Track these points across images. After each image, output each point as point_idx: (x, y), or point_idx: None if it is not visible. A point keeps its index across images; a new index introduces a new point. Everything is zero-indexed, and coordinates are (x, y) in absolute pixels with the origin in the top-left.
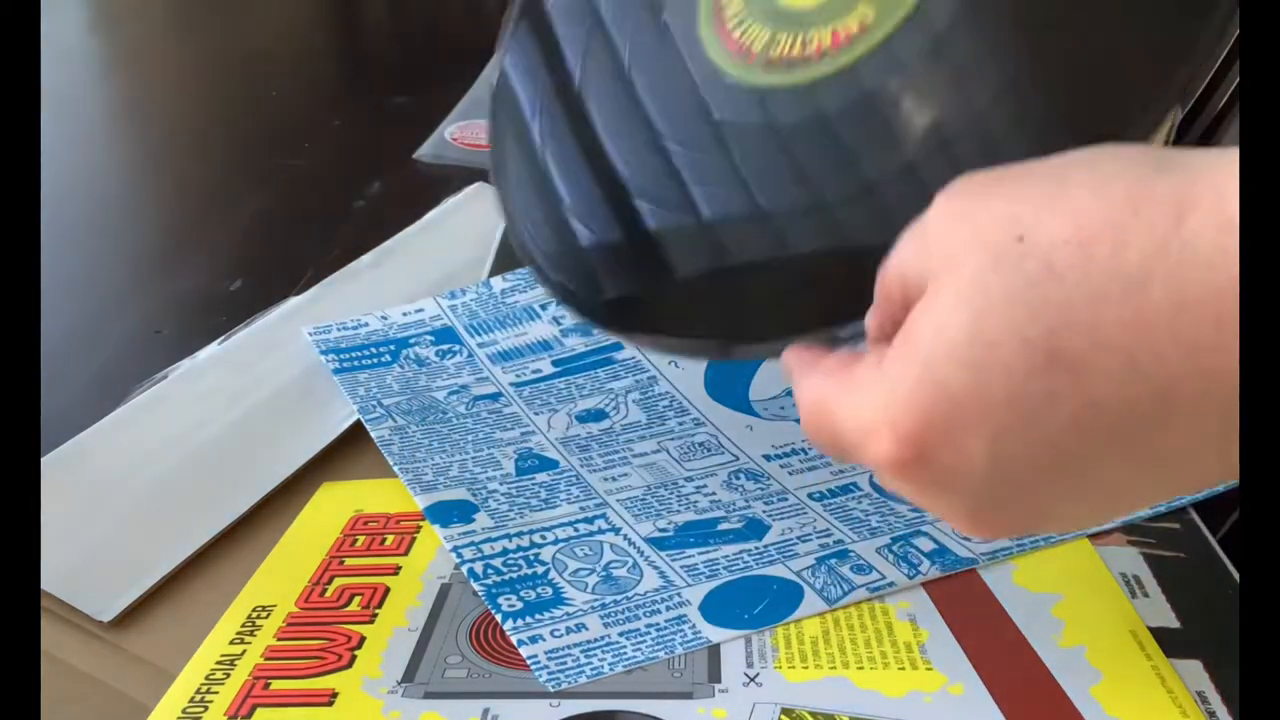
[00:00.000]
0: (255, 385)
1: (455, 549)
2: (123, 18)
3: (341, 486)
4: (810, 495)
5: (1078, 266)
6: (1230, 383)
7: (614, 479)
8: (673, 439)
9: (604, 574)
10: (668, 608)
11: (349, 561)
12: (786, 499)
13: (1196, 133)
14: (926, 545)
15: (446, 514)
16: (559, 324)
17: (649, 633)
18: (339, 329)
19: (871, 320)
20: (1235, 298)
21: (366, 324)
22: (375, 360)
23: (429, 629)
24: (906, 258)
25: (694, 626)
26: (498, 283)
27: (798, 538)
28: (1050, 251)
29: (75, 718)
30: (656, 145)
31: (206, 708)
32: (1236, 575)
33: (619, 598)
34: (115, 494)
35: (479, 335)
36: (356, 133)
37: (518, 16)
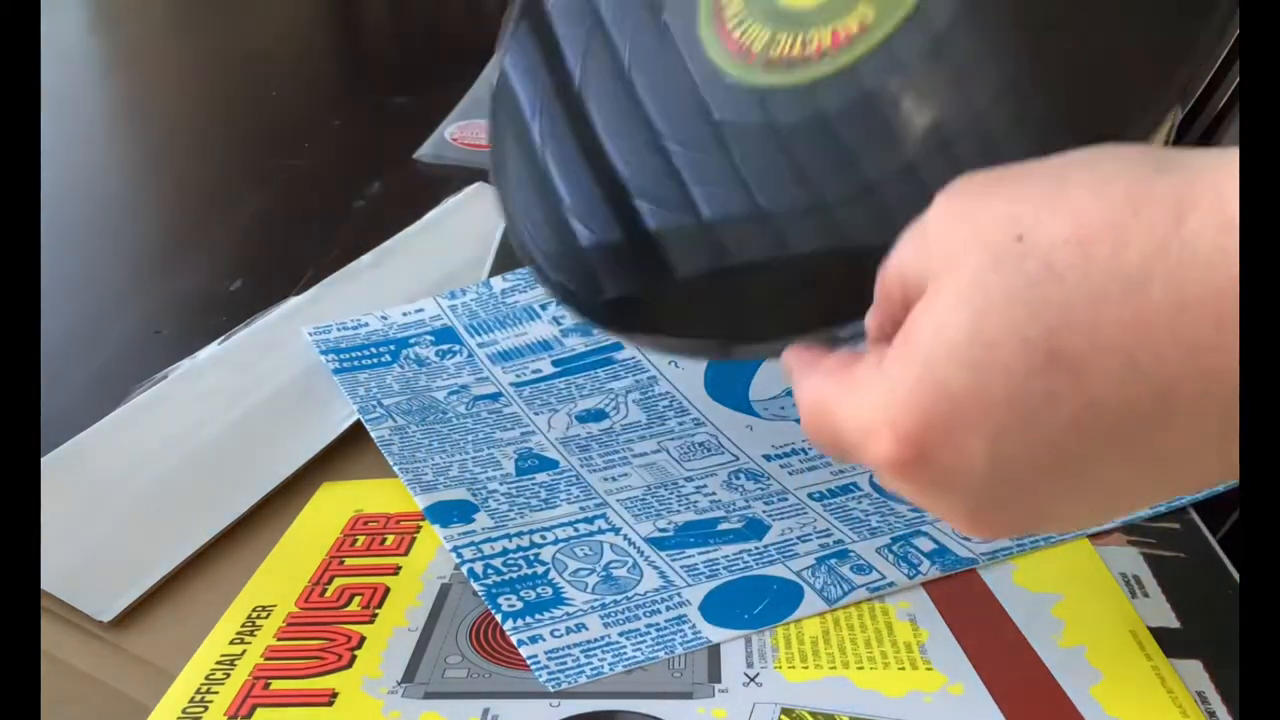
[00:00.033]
0: (255, 385)
1: (455, 549)
2: (123, 18)
3: (341, 486)
4: (810, 495)
5: (1078, 266)
6: (1230, 383)
7: (614, 479)
8: (673, 439)
9: (604, 574)
10: (668, 608)
11: (349, 561)
12: (786, 499)
13: (1196, 133)
14: (926, 545)
15: (446, 514)
16: (559, 324)
17: (649, 633)
18: (339, 329)
19: (871, 320)
20: (1235, 298)
21: (366, 324)
22: (375, 360)
23: (429, 629)
24: (906, 258)
25: (694, 626)
26: (498, 283)
27: (798, 538)
28: (1050, 251)
29: (75, 718)
30: (656, 145)
31: (206, 708)
32: (1236, 575)
33: (619, 598)
34: (115, 494)
35: (479, 335)
36: (356, 133)
37: (518, 16)
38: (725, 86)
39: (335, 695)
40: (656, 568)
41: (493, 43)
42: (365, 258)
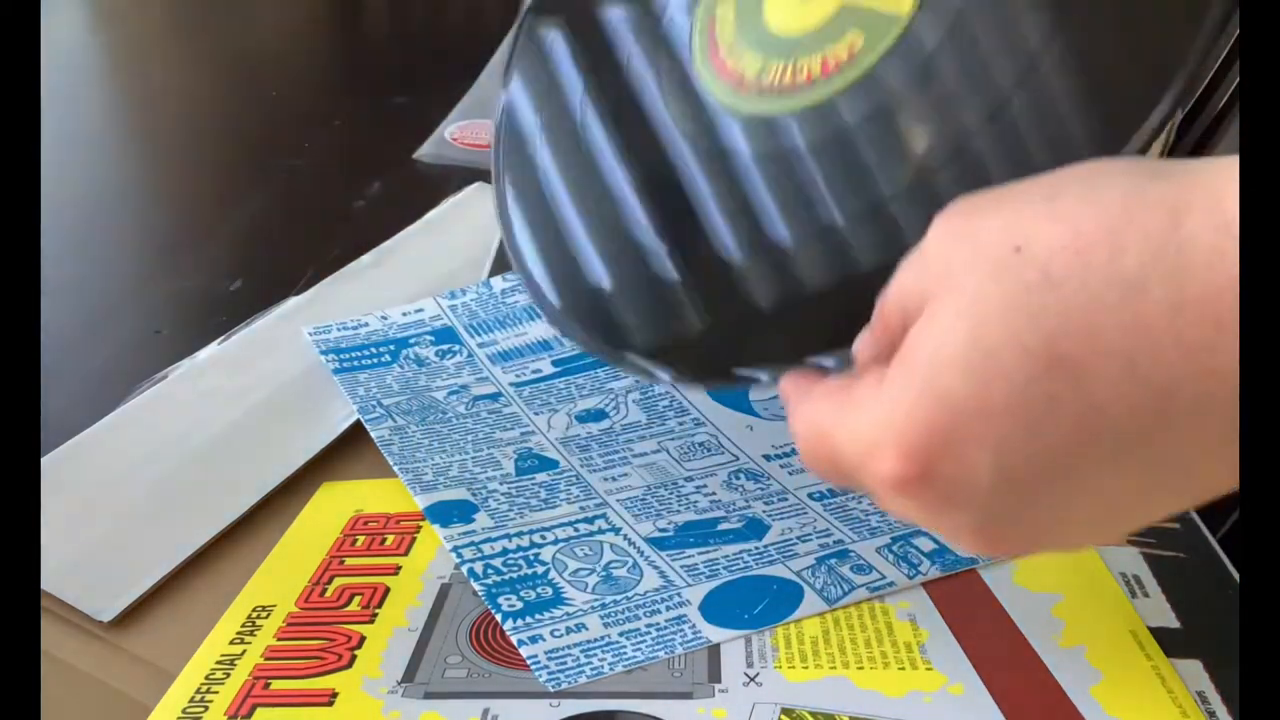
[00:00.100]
0: (255, 385)
1: (455, 549)
2: (123, 18)
3: (341, 486)
4: (810, 495)
5: (1075, 273)
6: (1231, 384)
7: (614, 479)
8: (673, 439)
9: (604, 574)
10: (668, 608)
11: (349, 561)
12: (786, 499)
13: (1196, 133)
14: (926, 545)
15: (446, 514)
16: None
17: (649, 633)
18: (339, 329)
19: (864, 346)
20: (1234, 299)
21: (366, 324)
22: (375, 360)
23: (429, 629)
24: (905, 283)
25: (694, 626)
26: (498, 283)
27: (798, 538)
28: (1048, 260)
29: (75, 718)
30: (659, 179)
31: (206, 708)
32: (1236, 575)
33: (619, 598)
34: (115, 494)
35: (479, 335)
36: (356, 133)
37: (514, 58)
38: (719, 116)
39: (335, 695)
40: (656, 568)
41: (493, 43)
42: (365, 258)
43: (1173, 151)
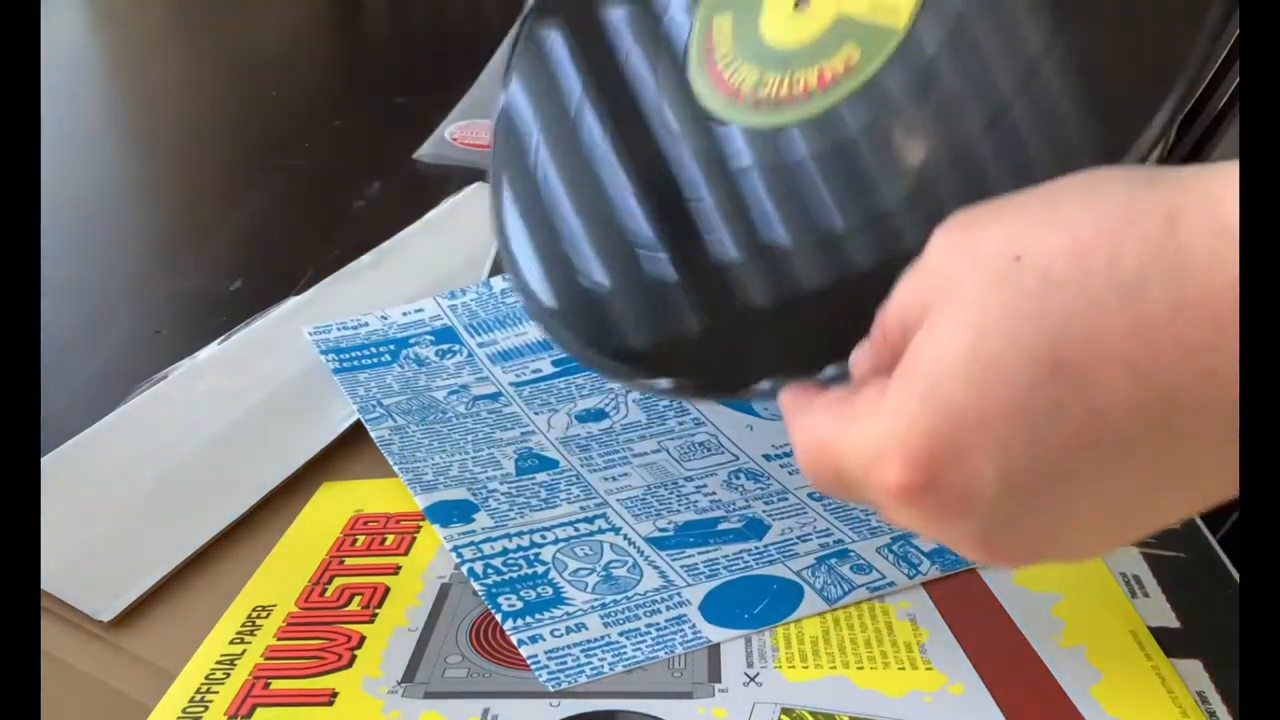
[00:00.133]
0: (255, 385)
1: (455, 549)
2: (123, 18)
3: (341, 486)
4: (810, 495)
5: (1075, 278)
6: (1232, 386)
7: (614, 479)
8: (673, 439)
9: (604, 574)
10: (668, 607)
11: (349, 561)
12: (786, 499)
13: (1196, 133)
14: (926, 545)
15: (446, 514)
16: None
17: (649, 632)
18: (339, 329)
19: (863, 360)
20: (1232, 299)
21: (366, 324)
22: (375, 360)
23: (429, 629)
24: (906, 296)
25: (694, 626)
26: (498, 283)
27: (798, 537)
28: (1048, 266)
29: (75, 718)
30: (654, 190)
31: (206, 708)
32: (1236, 575)
33: (619, 597)
34: (115, 494)
35: (479, 335)
36: (356, 133)
37: (513, 59)
38: (715, 127)
39: (335, 695)
40: (656, 567)
41: (493, 43)
42: (365, 258)
43: (1172, 151)
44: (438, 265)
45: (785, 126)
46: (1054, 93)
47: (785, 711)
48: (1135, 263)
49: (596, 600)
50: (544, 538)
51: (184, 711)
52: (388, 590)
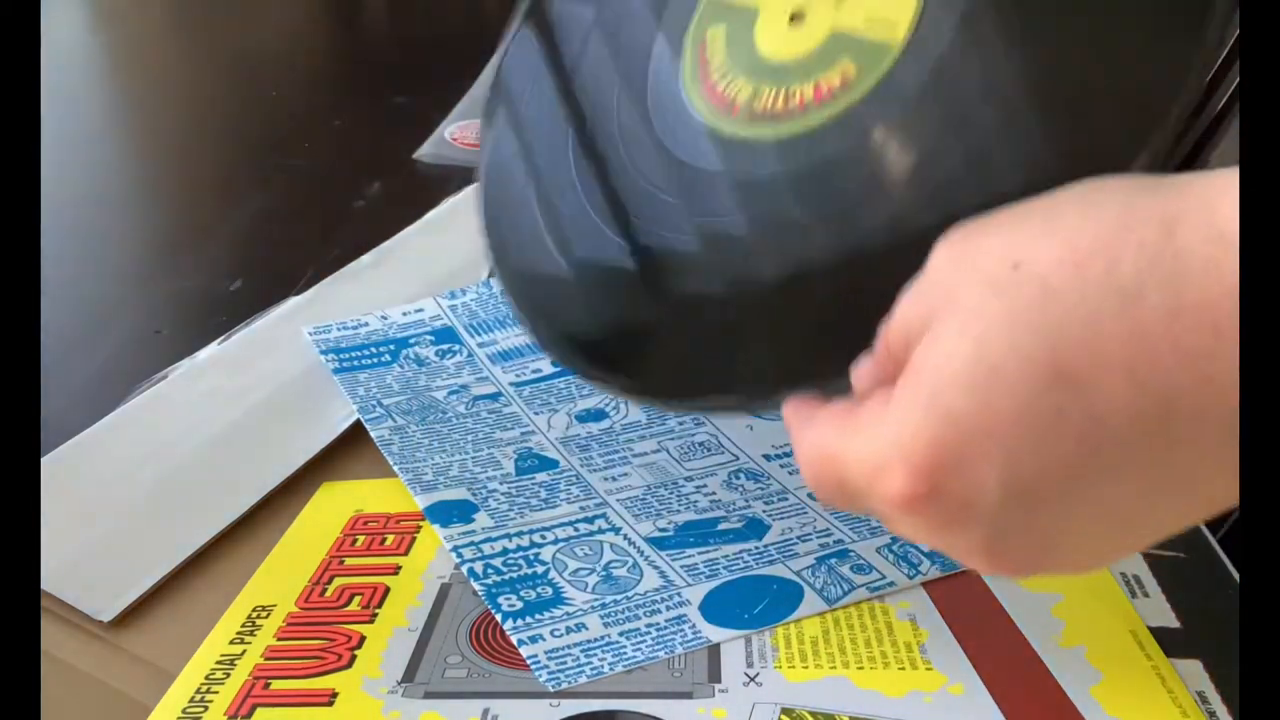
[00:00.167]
0: (255, 385)
1: (455, 549)
2: (123, 18)
3: (341, 486)
4: (810, 495)
5: (1074, 285)
6: (1230, 392)
7: (614, 479)
8: (673, 438)
9: (604, 574)
10: (668, 607)
11: (349, 561)
12: (786, 499)
13: (1196, 133)
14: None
15: (446, 514)
16: None
17: (649, 632)
18: (339, 329)
19: (866, 373)
20: (1230, 306)
21: (366, 324)
22: (375, 360)
23: (429, 629)
24: (908, 310)
25: (694, 626)
26: (497, 283)
27: (798, 537)
28: (1047, 275)
29: (75, 718)
30: (643, 192)
31: (206, 708)
32: (1236, 575)
33: (619, 597)
34: (115, 494)
35: (479, 335)
36: (356, 133)
37: (497, 87)
38: (708, 138)
39: (335, 695)
40: (656, 567)
41: (493, 44)
42: (365, 258)
43: (1172, 151)
44: (438, 265)
45: (780, 139)
46: (1045, 120)
47: (785, 711)
48: (1133, 270)
49: (596, 600)
50: (544, 538)
51: (184, 711)
52: (388, 590)
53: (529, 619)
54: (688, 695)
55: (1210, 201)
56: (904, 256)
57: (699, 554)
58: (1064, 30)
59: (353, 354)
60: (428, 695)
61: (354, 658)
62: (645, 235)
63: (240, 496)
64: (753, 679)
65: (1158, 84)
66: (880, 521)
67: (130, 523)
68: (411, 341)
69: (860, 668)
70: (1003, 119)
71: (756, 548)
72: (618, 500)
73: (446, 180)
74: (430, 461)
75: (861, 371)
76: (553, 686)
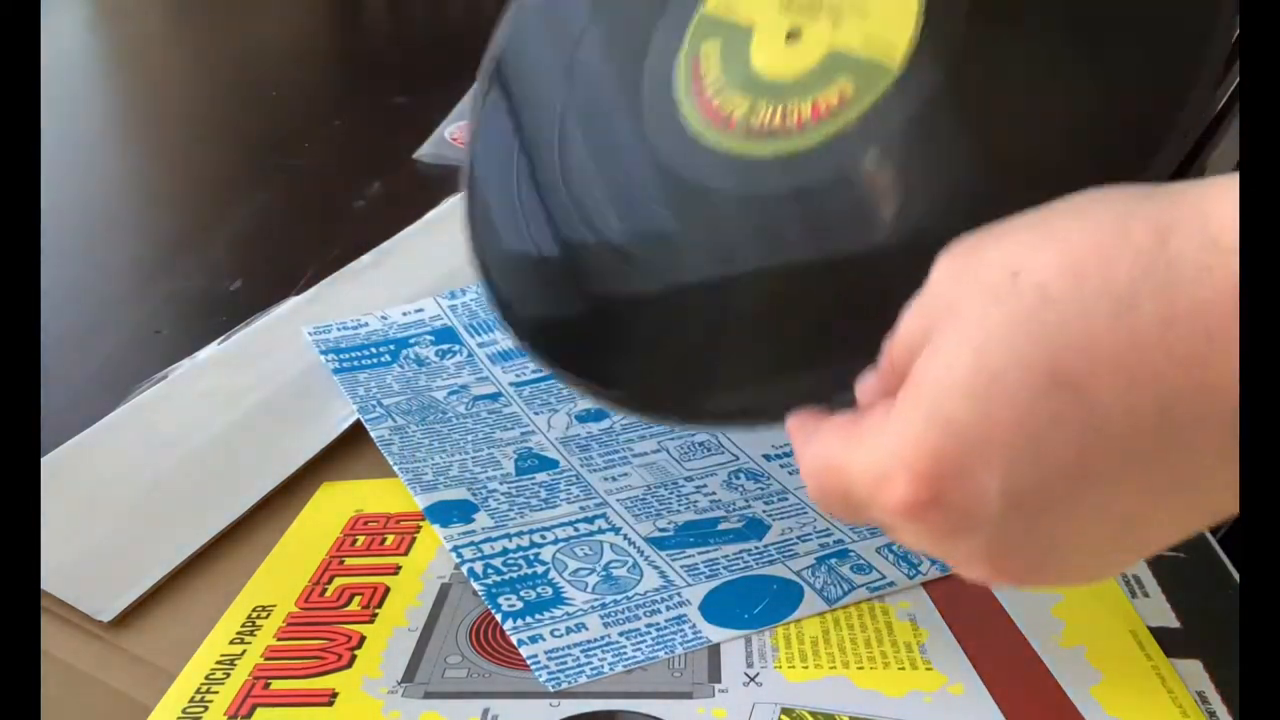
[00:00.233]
0: (255, 385)
1: (455, 549)
2: (123, 18)
3: (341, 486)
4: None
5: (1070, 292)
6: (1226, 397)
7: (614, 479)
8: (673, 438)
9: (604, 574)
10: (668, 607)
11: (349, 561)
12: (786, 499)
13: (1196, 133)
14: None
15: (446, 514)
16: None
17: (649, 632)
18: (339, 329)
19: (870, 387)
20: (1223, 312)
21: (366, 324)
22: (375, 360)
23: (429, 629)
24: (911, 324)
25: (694, 626)
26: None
27: (798, 537)
28: (1044, 282)
29: (75, 718)
30: (634, 202)
31: (206, 708)
32: (1236, 575)
33: (619, 597)
34: (115, 494)
35: (479, 335)
36: (356, 133)
37: (486, 85)
38: (703, 151)
39: (335, 695)
40: (656, 567)
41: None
42: (365, 258)
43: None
44: (438, 265)
45: (778, 156)
46: (1052, 142)
47: (785, 711)
48: (1127, 277)
49: (596, 600)
50: (544, 538)
51: (184, 711)
52: (388, 590)
53: (529, 619)
54: (688, 695)
55: (1203, 209)
56: (902, 273)
57: (699, 554)
58: (1064, 59)
59: (353, 354)
60: (428, 695)
61: (354, 658)
62: (631, 245)
63: (240, 496)
64: (753, 679)
65: (1157, 115)
66: (884, 532)
67: (130, 523)
68: (411, 341)
69: (860, 668)
70: (1000, 141)
71: (756, 548)
72: (618, 500)
73: (446, 180)
74: (430, 461)
75: (866, 386)
76: (553, 686)
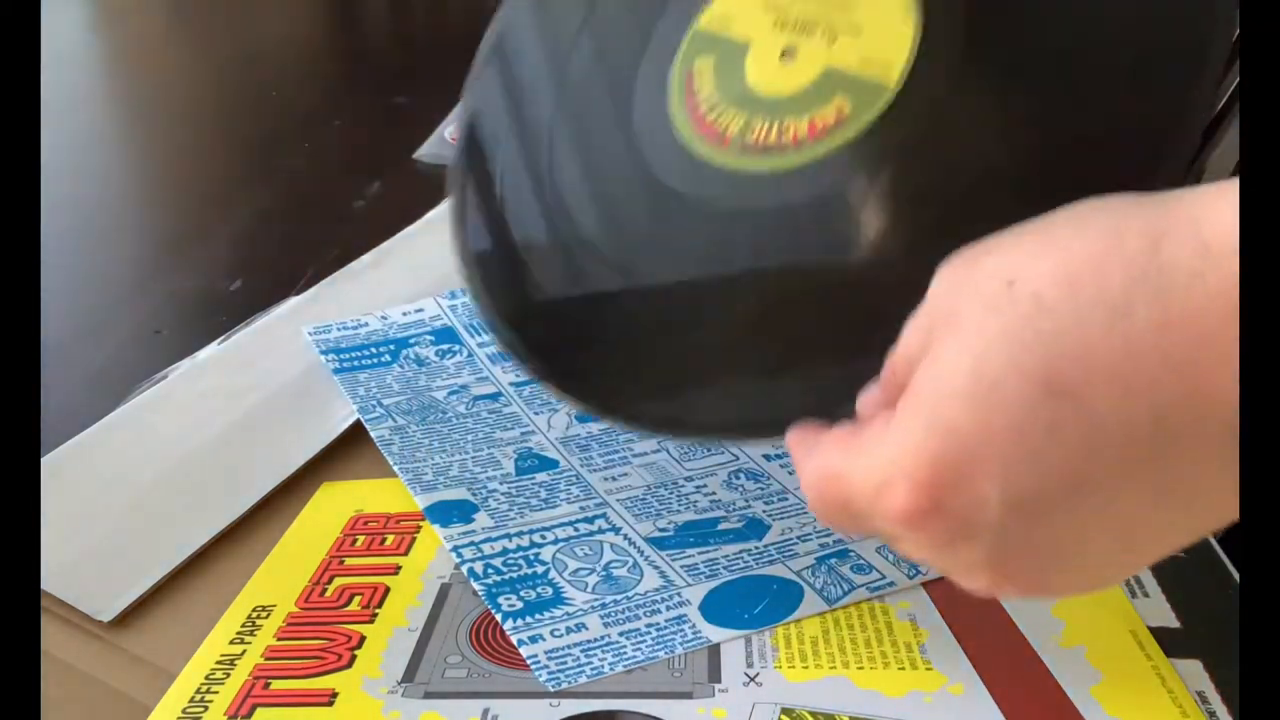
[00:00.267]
0: (255, 385)
1: (455, 549)
2: (123, 17)
3: (341, 486)
4: None
5: (1065, 301)
6: (1221, 402)
7: (614, 479)
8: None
9: (604, 574)
10: (668, 607)
11: (349, 561)
12: (786, 498)
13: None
14: None
15: (446, 514)
16: None
17: (649, 632)
18: (339, 329)
19: (871, 400)
20: (1216, 317)
21: (366, 324)
22: (375, 360)
23: (429, 629)
24: (911, 337)
25: (694, 626)
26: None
27: (798, 537)
28: (1040, 290)
29: (75, 718)
30: (623, 209)
31: (206, 708)
32: (1236, 575)
33: (619, 597)
34: (115, 494)
35: (479, 335)
36: (356, 133)
37: (480, 69)
38: (695, 165)
39: (335, 695)
40: (656, 567)
41: None
42: (365, 258)
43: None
44: (438, 265)
45: (775, 172)
46: (1047, 160)
47: (785, 711)
48: (1121, 285)
49: (596, 600)
50: (544, 538)
51: (184, 711)
52: (388, 590)
53: (529, 619)
54: (688, 695)
55: (1196, 216)
56: (897, 289)
57: (699, 554)
58: (1058, 78)
59: (353, 354)
60: (428, 695)
61: (354, 658)
62: (619, 254)
63: (240, 496)
64: (753, 679)
65: (1156, 131)
66: (886, 542)
67: (130, 523)
68: (411, 341)
69: (860, 668)
70: (997, 160)
71: (756, 548)
72: (618, 500)
73: (446, 180)
74: (430, 461)
75: (867, 398)
76: (553, 686)
